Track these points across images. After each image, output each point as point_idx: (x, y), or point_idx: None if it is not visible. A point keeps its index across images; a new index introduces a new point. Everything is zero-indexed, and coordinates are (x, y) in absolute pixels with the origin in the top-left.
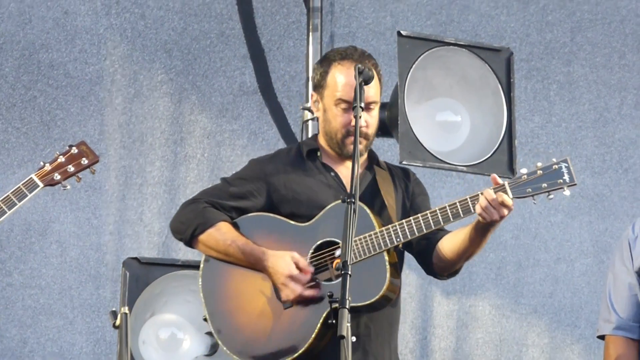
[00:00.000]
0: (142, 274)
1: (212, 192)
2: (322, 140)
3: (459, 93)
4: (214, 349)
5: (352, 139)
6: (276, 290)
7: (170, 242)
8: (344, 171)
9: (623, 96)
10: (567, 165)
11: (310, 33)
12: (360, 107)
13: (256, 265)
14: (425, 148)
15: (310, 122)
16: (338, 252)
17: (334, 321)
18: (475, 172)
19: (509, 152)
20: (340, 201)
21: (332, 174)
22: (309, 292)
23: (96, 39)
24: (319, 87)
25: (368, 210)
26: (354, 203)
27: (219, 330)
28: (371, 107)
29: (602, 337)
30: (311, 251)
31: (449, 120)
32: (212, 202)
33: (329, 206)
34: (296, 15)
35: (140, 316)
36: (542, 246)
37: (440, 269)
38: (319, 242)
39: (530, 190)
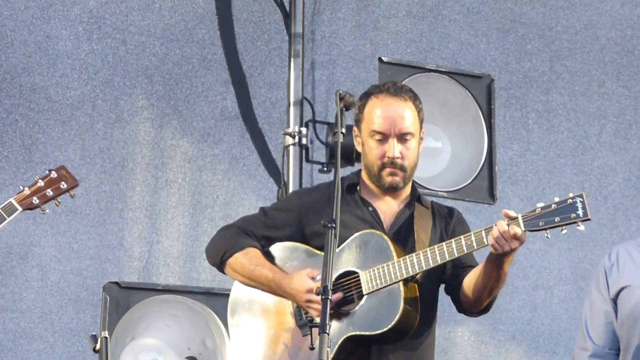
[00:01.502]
0: (122, 298)
1: (248, 219)
2: (363, 175)
3: (439, 119)
4: None
5: (388, 171)
6: (299, 314)
7: (151, 266)
8: (383, 206)
9: (602, 124)
10: (582, 200)
11: (292, 59)
12: (341, 132)
13: (278, 290)
14: None
15: (291, 147)
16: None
17: (313, 347)
18: (456, 198)
19: (489, 178)
20: (367, 232)
21: (370, 208)
22: (335, 297)
23: (78, 64)
24: (358, 121)
25: (389, 242)
26: (334, 228)
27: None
28: (406, 137)
29: None
30: (332, 280)
31: (429, 146)
32: (244, 229)
33: (353, 236)
34: (277, 42)
35: (121, 340)
36: (521, 273)
37: (468, 305)
38: (341, 271)
39: (542, 223)
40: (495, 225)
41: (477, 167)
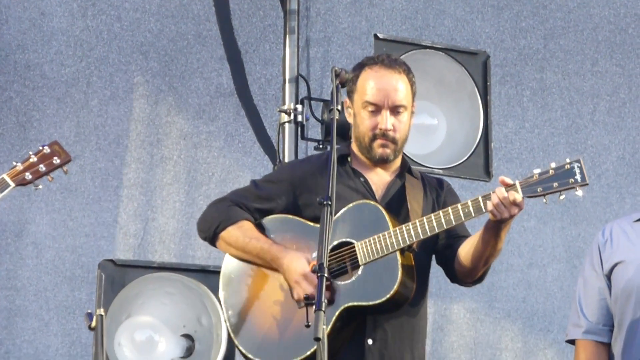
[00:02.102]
0: (117, 276)
1: (240, 192)
2: (354, 147)
3: (435, 96)
4: (189, 351)
5: (379, 142)
6: (291, 290)
7: (146, 244)
8: (374, 177)
9: (595, 103)
10: (579, 165)
11: (287, 35)
12: (337, 109)
13: (272, 262)
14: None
15: (286, 125)
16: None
17: (309, 324)
18: (452, 175)
19: (485, 155)
20: (360, 202)
21: (362, 179)
22: (318, 294)
23: (72, 41)
24: (350, 92)
25: (384, 212)
26: (330, 205)
27: (236, 332)
28: (399, 110)
29: (572, 342)
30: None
31: (425, 123)
32: (237, 202)
33: (346, 207)
34: (272, 19)
35: (116, 318)
36: (516, 251)
37: (463, 275)
38: (335, 243)
39: (541, 189)
40: (494, 192)
41: (473, 144)
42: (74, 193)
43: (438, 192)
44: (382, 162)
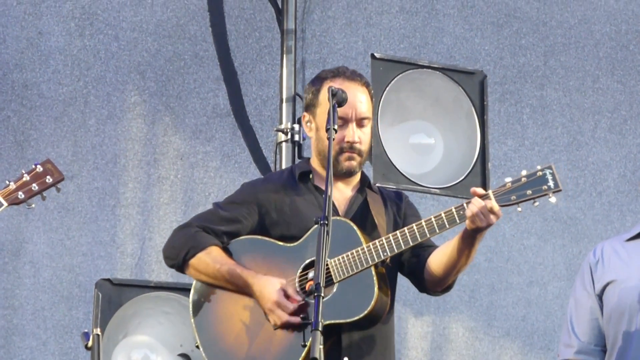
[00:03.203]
0: (114, 295)
1: (204, 216)
2: (314, 162)
3: (432, 115)
4: None
5: (346, 155)
6: (266, 316)
7: (143, 263)
8: (336, 193)
9: (597, 120)
10: (551, 171)
11: (285, 55)
12: (334, 129)
13: (245, 289)
14: (398, 170)
15: (284, 144)
16: (311, 274)
17: (306, 344)
18: (449, 195)
19: (482, 175)
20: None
21: (324, 196)
22: (295, 319)
23: (70, 60)
24: (311, 106)
25: (356, 228)
26: (326, 224)
27: (211, 356)
28: (364, 123)
29: None
30: (299, 270)
31: (422, 142)
32: (203, 227)
33: (315, 226)
34: (268, 40)
35: (113, 337)
36: (515, 269)
37: (433, 284)
38: (307, 262)
39: (514, 197)
40: (470, 202)
41: (469, 164)
42: (71, 212)
43: (398, 205)
44: (347, 175)
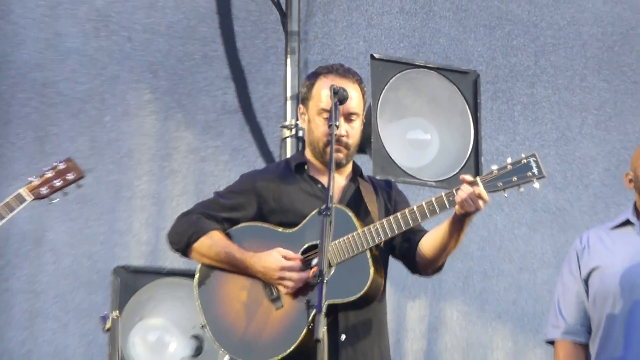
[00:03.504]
0: (131, 281)
1: (206, 204)
2: (308, 154)
3: (428, 113)
4: (198, 351)
5: (334, 146)
6: (268, 293)
7: (158, 250)
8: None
9: (584, 116)
10: (535, 159)
11: (289, 56)
12: (335, 125)
13: (247, 270)
14: (396, 164)
15: (288, 140)
16: (314, 262)
17: (311, 325)
18: (444, 187)
19: (475, 169)
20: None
21: (319, 185)
22: (305, 275)
23: (86, 60)
24: (305, 99)
25: (350, 214)
26: (329, 215)
27: (216, 333)
28: (352, 118)
29: (551, 343)
30: (299, 254)
31: (419, 138)
32: (205, 214)
33: (313, 213)
34: (274, 41)
35: (130, 320)
36: (506, 257)
37: (424, 266)
38: (305, 246)
39: (501, 184)
40: (459, 188)
41: (463, 158)
42: (89, 203)
43: (388, 193)
44: (336, 166)
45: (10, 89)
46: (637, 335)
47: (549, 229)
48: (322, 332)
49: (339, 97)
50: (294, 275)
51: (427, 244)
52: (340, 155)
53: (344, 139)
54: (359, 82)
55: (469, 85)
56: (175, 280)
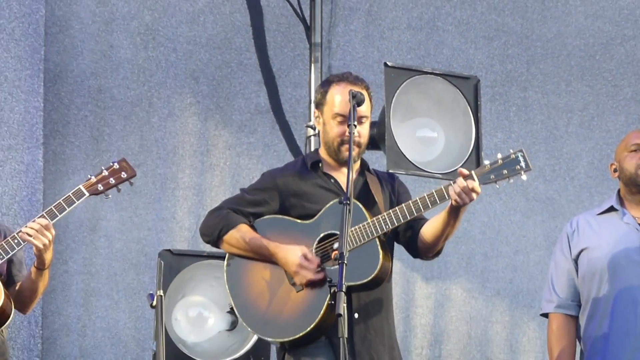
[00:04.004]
0: (174, 263)
1: (233, 200)
2: (322, 152)
3: (435, 113)
4: (233, 325)
5: (346, 146)
6: (289, 277)
7: (198, 236)
8: (342, 178)
9: (569, 117)
10: (522, 154)
11: (312, 65)
12: (354, 124)
13: (271, 258)
14: (407, 159)
15: (312, 138)
16: (336, 245)
17: (332, 302)
18: (449, 179)
19: (476, 163)
20: (336, 201)
21: (332, 180)
22: (318, 276)
23: (136, 68)
24: (320, 104)
25: (361, 206)
26: (349, 204)
27: (242, 313)
28: (363, 120)
29: (545, 315)
30: (315, 243)
31: (427, 136)
32: (233, 209)
33: (327, 205)
34: (301, 49)
35: (173, 298)
36: (504, 240)
37: (425, 250)
38: (321, 235)
39: (493, 177)
40: (455, 182)
41: (466, 154)
42: (138, 194)
43: (392, 185)
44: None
45: (69, 94)
46: (620, 309)
47: (540, 216)
48: (343, 307)
49: (357, 100)
50: (308, 274)
51: (428, 231)
52: (354, 153)
53: (357, 139)
54: (367, 88)
55: (471, 89)
56: (214, 262)
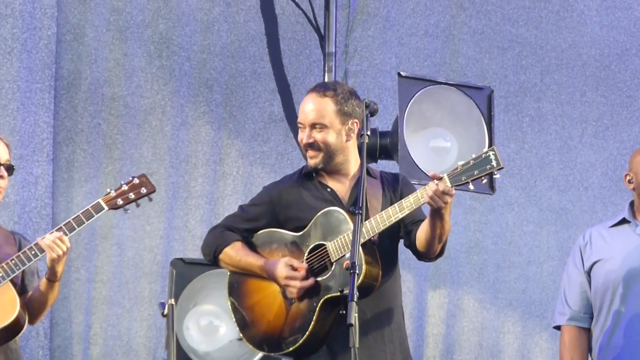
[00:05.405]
0: (186, 271)
1: (230, 218)
2: None
3: (448, 124)
4: None
5: (308, 154)
6: (282, 291)
7: None
8: (338, 186)
9: (584, 127)
10: (494, 153)
11: (327, 73)
12: (367, 134)
13: (262, 274)
14: (420, 169)
15: None
16: (347, 255)
17: (344, 312)
18: (461, 190)
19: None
20: (324, 211)
21: (328, 190)
22: (306, 283)
23: (150, 77)
24: None
25: (345, 214)
26: (360, 214)
27: (242, 329)
28: (316, 127)
29: (558, 328)
30: (306, 254)
31: (440, 146)
32: (228, 227)
33: (316, 216)
34: (316, 57)
35: (185, 307)
36: (516, 251)
37: (424, 253)
38: (311, 246)
39: (465, 177)
40: (428, 186)
41: None
42: (151, 203)
43: (395, 187)
44: (321, 170)
45: (83, 102)
46: (632, 321)
47: (553, 226)
48: (354, 317)
49: (370, 109)
50: (297, 283)
51: (420, 235)
52: (317, 160)
53: (314, 144)
54: (333, 95)
55: (484, 100)
56: (225, 271)
